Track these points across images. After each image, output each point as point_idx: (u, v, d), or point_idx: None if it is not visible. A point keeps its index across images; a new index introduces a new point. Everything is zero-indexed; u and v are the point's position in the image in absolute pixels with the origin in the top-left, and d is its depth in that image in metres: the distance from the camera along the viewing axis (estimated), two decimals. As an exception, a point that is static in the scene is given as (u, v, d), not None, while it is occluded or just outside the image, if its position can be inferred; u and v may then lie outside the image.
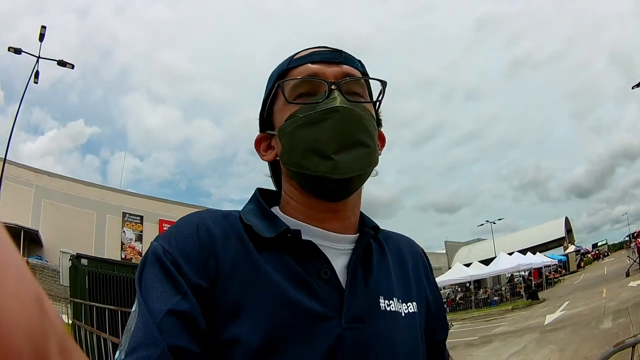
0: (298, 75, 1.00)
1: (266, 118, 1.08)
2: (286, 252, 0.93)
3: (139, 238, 35.19)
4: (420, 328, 1.05)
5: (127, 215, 35.02)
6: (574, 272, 42.67)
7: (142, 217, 35.61)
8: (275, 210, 1.05)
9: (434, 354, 1.14)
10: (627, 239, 47.26)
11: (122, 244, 34.38)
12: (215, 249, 0.90)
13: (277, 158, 1.04)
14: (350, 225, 1.04)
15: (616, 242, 64.64)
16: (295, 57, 1.05)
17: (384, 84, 1.05)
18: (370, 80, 1.08)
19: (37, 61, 19.37)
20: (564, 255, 45.87)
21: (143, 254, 0.92)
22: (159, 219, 35.91)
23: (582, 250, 52.72)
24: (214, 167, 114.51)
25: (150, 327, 0.77)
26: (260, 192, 1.09)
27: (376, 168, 1.03)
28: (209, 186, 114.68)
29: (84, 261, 9.97)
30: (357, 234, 1.04)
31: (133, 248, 34.59)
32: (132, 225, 35.13)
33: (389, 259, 1.08)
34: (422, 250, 1.23)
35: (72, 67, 20.70)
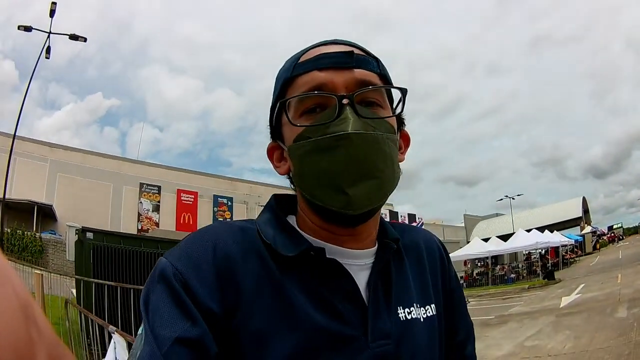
0: (304, 85, 0.91)
1: (275, 126, 1.00)
2: (309, 272, 0.89)
3: (157, 208, 35.61)
4: (439, 330, 1.02)
5: (144, 185, 35.30)
6: (589, 253, 42.71)
7: (159, 188, 35.93)
8: (292, 221, 0.99)
9: (451, 356, 1.08)
10: (640, 223, 47.04)
11: (139, 214, 34.67)
12: (234, 273, 0.84)
13: (290, 173, 0.97)
14: (370, 241, 0.98)
15: (631, 227, 64.60)
16: (301, 59, 0.93)
17: (403, 92, 0.95)
18: (389, 75, 0.97)
19: (48, 37, 19.69)
20: (580, 236, 45.80)
21: (152, 271, 0.85)
22: (177, 189, 36.30)
23: (598, 232, 52.68)
24: (235, 137, 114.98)
25: (156, 357, 0.74)
26: (276, 199, 1.02)
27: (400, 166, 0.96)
28: (230, 155, 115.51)
29: (90, 235, 9.84)
30: (376, 246, 0.99)
31: (150, 219, 34.98)
32: (150, 196, 35.46)
33: (406, 262, 1.04)
34: (439, 242, 1.17)
35: (85, 40, 20.94)
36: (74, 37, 20.33)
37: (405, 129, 1.03)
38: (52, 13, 19.17)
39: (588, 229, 49.35)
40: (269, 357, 0.80)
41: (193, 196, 37.00)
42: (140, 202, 34.96)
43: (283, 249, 0.88)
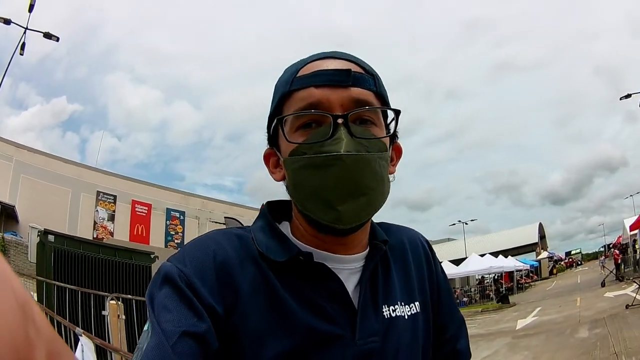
0: (301, 101, 0.93)
1: (272, 135, 1.02)
2: (299, 276, 0.93)
3: (112, 218, 34.95)
4: (425, 327, 1.06)
5: (101, 194, 34.62)
6: (545, 278, 43.41)
7: (115, 197, 35.27)
8: (286, 227, 1.03)
9: (443, 351, 1.12)
10: (602, 249, 48.11)
11: (95, 223, 33.99)
12: (233, 277, 0.89)
13: (285, 182, 0.99)
14: (360, 246, 1.02)
15: (590, 252, 65.93)
16: (299, 74, 0.95)
17: (397, 113, 0.97)
18: (385, 92, 1.00)
19: (25, 32, 19.34)
20: (536, 261, 46.44)
21: (155, 273, 0.89)
22: (132, 200, 35.70)
23: (554, 257, 53.54)
24: (190, 151, 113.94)
25: (164, 348, 0.77)
26: (269, 206, 1.06)
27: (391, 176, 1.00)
28: (184, 169, 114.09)
29: (51, 237, 9.75)
30: (367, 249, 1.03)
31: (105, 228, 34.25)
32: (106, 205, 34.80)
33: (391, 262, 1.07)
34: (424, 240, 1.20)
35: (57, 39, 20.70)
36: (47, 36, 20.07)
37: (398, 141, 1.05)
38: (31, 8, 18.87)
39: (544, 254, 50.26)
40: (264, 354, 0.85)
41: (147, 208, 36.45)
42: (97, 211, 34.31)
43: (274, 255, 0.93)
